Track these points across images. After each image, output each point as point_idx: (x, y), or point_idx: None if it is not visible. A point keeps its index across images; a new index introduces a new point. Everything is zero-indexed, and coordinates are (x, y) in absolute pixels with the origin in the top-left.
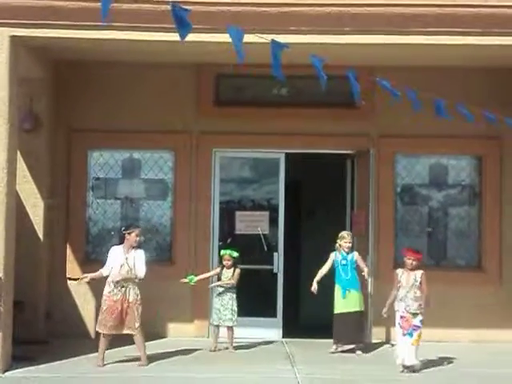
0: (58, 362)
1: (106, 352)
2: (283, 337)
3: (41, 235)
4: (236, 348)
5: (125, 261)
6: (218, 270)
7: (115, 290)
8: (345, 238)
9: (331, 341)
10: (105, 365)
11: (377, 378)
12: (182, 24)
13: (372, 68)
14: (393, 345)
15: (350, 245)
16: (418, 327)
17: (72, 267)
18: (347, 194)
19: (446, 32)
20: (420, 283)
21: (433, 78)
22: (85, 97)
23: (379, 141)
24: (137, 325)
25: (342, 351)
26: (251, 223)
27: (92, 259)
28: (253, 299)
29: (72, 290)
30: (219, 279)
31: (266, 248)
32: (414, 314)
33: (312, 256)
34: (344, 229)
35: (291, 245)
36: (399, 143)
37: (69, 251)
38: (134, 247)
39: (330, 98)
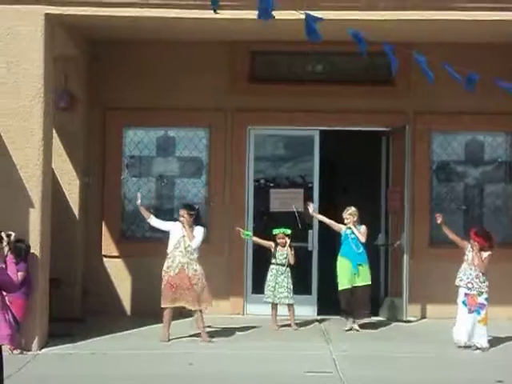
0: (94, 339)
1: (142, 328)
2: (318, 314)
3: (76, 213)
4: (297, 325)
5: (182, 238)
6: (273, 245)
7: (173, 265)
8: (347, 211)
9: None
10: (170, 339)
11: (414, 355)
12: None
13: (408, 44)
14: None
15: (348, 221)
16: (484, 305)
17: (107, 245)
18: (382, 171)
19: (482, 8)
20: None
21: (468, 53)
22: (119, 75)
23: (415, 118)
24: (201, 298)
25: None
26: (286, 200)
27: (127, 237)
28: None
29: (108, 268)
30: (273, 257)
31: (300, 225)
32: (480, 292)
33: None
34: (379, 206)
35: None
36: (435, 120)
37: (104, 229)
38: (184, 226)
39: (366, 74)
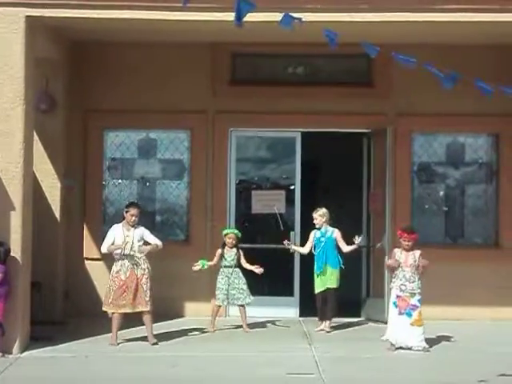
0: (76, 342)
1: (122, 331)
2: (300, 315)
3: (58, 216)
4: (251, 327)
5: (125, 239)
6: (220, 250)
7: (123, 269)
8: (317, 212)
9: (348, 320)
10: (119, 344)
11: (396, 355)
12: None
13: (389, 46)
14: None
15: (317, 221)
16: (417, 306)
17: (89, 247)
18: (364, 172)
19: (464, 9)
20: (418, 263)
21: (448, 55)
22: (100, 77)
23: (396, 119)
24: (147, 299)
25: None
26: (267, 202)
27: None
28: (270, 278)
29: (89, 270)
30: (223, 259)
31: (282, 227)
32: (412, 294)
33: None
34: (360, 208)
35: (308, 224)
36: (416, 121)
37: (86, 231)
38: (133, 226)
39: (347, 76)
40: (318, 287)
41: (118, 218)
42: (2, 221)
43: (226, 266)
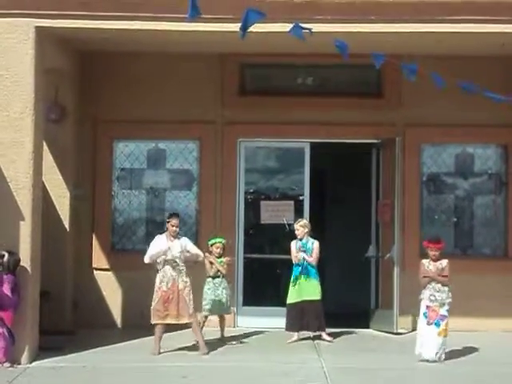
0: (85, 352)
1: (131, 342)
2: None
3: (67, 225)
4: (233, 338)
5: (168, 249)
6: (211, 259)
7: (165, 280)
8: (298, 223)
9: (357, 331)
10: (160, 353)
11: (404, 367)
12: (194, 8)
13: (399, 56)
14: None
15: (298, 232)
16: (445, 317)
17: (98, 257)
18: (373, 182)
19: (472, 20)
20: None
21: (457, 66)
22: (110, 87)
23: (405, 130)
24: (190, 312)
25: (313, 337)
26: (276, 213)
27: (118, 249)
28: (278, 289)
29: (98, 280)
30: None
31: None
32: (442, 304)
33: (337, 246)
34: (369, 218)
35: (316, 234)
36: (425, 132)
37: (95, 241)
38: (175, 236)
39: (356, 87)
40: (293, 298)
41: (127, 228)
42: (12, 230)
43: (213, 277)
